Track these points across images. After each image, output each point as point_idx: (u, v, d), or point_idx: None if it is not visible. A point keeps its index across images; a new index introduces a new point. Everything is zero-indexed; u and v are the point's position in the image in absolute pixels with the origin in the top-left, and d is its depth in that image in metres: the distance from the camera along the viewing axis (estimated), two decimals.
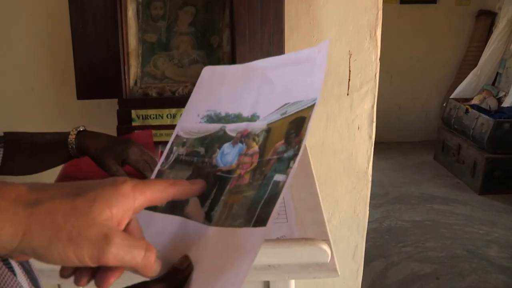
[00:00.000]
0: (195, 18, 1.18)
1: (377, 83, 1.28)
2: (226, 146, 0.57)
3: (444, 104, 3.91)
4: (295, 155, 0.48)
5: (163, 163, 0.58)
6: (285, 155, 0.49)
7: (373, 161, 1.34)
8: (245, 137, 0.56)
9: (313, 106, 0.51)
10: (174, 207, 0.53)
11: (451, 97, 3.85)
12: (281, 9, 1.05)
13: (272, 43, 1.06)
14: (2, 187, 0.33)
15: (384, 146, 3.87)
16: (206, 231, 0.50)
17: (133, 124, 1.10)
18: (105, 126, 1.11)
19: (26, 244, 0.32)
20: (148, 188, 0.40)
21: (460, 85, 3.86)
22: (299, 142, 0.49)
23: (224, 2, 1.11)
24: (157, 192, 0.42)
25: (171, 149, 0.59)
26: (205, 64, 1.04)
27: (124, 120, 1.10)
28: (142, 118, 1.09)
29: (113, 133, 1.06)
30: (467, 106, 3.55)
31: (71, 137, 0.85)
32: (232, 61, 1.08)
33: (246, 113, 0.58)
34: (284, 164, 0.47)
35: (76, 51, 1.12)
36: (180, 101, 1.08)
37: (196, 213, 0.52)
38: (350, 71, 1.25)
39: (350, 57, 1.24)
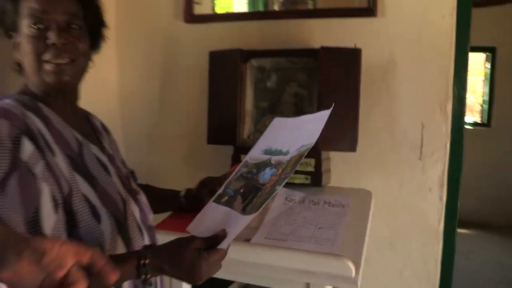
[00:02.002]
0: (297, 92, 1.56)
1: (448, 152, 1.48)
2: (268, 169, 0.93)
3: None
4: (286, 177, 0.84)
5: (232, 177, 0.97)
6: (284, 176, 0.86)
7: None
8: (277, 165, 0.92)
9: (308, 149, 0.86)
10: (228, 202, 0.91)
11: None
12: (357, 91, 1.37)
13: (348, 116, 1.38)
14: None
15: None
16: (239, 217, 0.86)
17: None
18: (221, 165, 1.53)
19: None
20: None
21: None
22: (291, 170, 0.85)
23: (315, 83, 1.47)
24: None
25: (239, 169, 0.98)
26: None
27: (235, 162, 1.50)
28: None
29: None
30: None
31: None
32: None
33: (284, 149, 0.94)
34: (280, 181, 0.84)
35: (210, 108, 1.57)
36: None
37: (237, 207, 0.89)
38: (422, 139, 1.49)
39: (422, 127, 1.48)
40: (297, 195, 1.38)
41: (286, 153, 0.93)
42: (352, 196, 1.38)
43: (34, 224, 0.83)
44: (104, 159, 1.06)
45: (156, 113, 1.83)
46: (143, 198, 1.13)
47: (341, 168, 1.56)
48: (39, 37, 0.96)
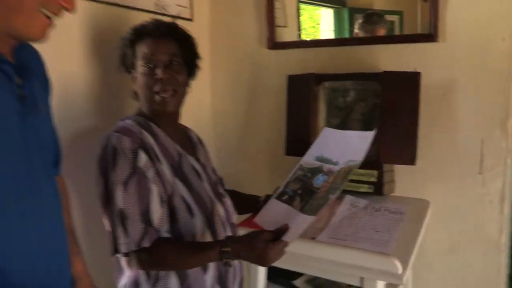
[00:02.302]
0: (365, 111, 1.74)
1: (508, 167, 1.57)
2: (320, 175, 1.16)
3: None
4: (338, 187, 1.06)
5: (290, 178, 1.21)
6: (340, 185, 1.07)
7: None
8: (329, 173, 1.14)
9: (357, 165, 1.08)
10: (288, 200, 1.15)
11: None
12: (416, 111, 1.53)
13: (408, 133, 1.55)
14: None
15: None
16: (298, 215, 1.10)
17: None
18: None
19: None
20: None
21: None
22: (343, 182, 1.07)
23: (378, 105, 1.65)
24: None
25: (295, 171, 1.22)
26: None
27: None
28: None
29: None
30: None
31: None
32: (378, 142, 1.59)
33: (334, 159, 1.16)
34: (334, 191, 1.06)
35: (288, 124, 1.81)
36: None
37: (297, 206, 1.13)
38: (482, 154, 1.60)
39: (482, 144, 1.60)
40: (361, 202, 1.57)
41: (335, 163, 1.15)
42: (411, 205, 1.54)
43: (146, 215, 1.14)
44: (198, 167, 1.35)
45: (242, 128, 2.11)
46: (228, 200, 1.40)
47: (405, 180, 1.71)
48: (149, 73, 1.29)
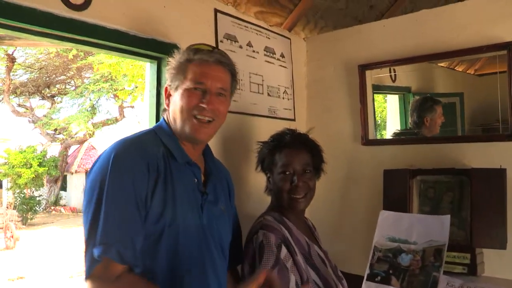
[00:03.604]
0: (453, 199, 2.01)
1: None
2: (404, 254, 1.42)
3: None
4: (440, 265, 1.32)
5: (371, 259, 1.47)
6: (436, 264, 1.33)
7: None
8: (411, 252, 1.41)
9: (444, 245, 1.34)
10: (385, 281, 1.41)
11: None
12: (504, 202, 1.78)
13: (498, 222, 1.79)
14: None
15: None
16: None
17: None
18: None
19: None
20: None
21: None
22: (441, 260, 1.33)
23: (466, 193, 1.91)
24: None
25: (373, 253, 1.48)
26: (457, 227, 1.88)
27: None
28: None
29: None
30: None
31: None
32: (470, 228, 1.83)
33: (410, 240, 1.43)
34: (436, 269, 1.32)
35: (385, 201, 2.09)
36: None
37: (396, 284, 1.39)
38: None
39: None
40: (457, 282, 1.78)
41: (414, 243, 1.43)
42: (504, 285, 1.74)
43: None
44: (322, 255, 1.65)
45: (337, 212, 2.41)
46: (345, 283, 1.68)
47: (495, 261, 1.91)
48: (286, 179, 1.62)
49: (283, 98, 2.39)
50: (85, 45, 1.65)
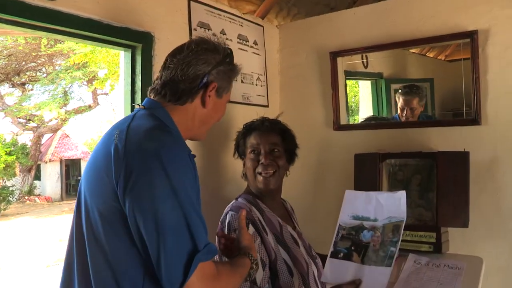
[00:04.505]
0: (421, 182, 2.10)
1: None
2: (366, 231, 1.50)
3: None
4: (398, 240, 1.40)
5: (335, 238, 1.55)
6: (393, 239, 1.41)
7: None
8: (373, 229, 1.49)
9: (402, 221, 1.43)
10: (347, 257, 1.49)
11: None
12: (466, 184, 1.88)
13: (460, 202, 1.88)
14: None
15: None
16: (361, 267, 1.44)
17: None
18: None
19: None
20: None
21: None
22: (399, 236, 1.41)
23: (433, 176, 2.00)
24: None
25: (337, 232, 1.56)
26: (424, 208, 1.97)
27: None
28: None
29: None
30: None
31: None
32: (436, 209, 1.93)
33: (372, 217, 1.50)
34: (393, 244, 1.40)
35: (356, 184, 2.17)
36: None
37: (357, 260, 1.47)
38: None
39: None
40: (423, 259, 1.88)
41: (375, 220, 1.50)
42: (467, 261, 1.84)
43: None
44: (295, 235, 1.72)
45: (311, 195, 2.49)
46: (319, 262, 1.75)
47: (458, 239, 2.02)
48: (255, 158, 1.69)
49: (256, 84, 2.43)
50: (58, 34, 1.66)
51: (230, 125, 2.19)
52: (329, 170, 2.45)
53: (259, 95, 2.46)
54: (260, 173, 1.68)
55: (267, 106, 2.51)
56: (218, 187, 2.17)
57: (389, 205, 1.55)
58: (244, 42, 2.38)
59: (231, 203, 1.66)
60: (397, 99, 2.33)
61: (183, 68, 1.24)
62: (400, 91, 2.32)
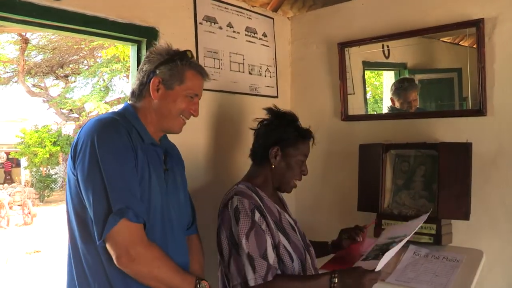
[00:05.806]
0: (425, 173, 2.09)
1: None
2: (394, 244, 1.54)
3: None
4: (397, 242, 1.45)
5: (368, 252, 1.62)
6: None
7: None
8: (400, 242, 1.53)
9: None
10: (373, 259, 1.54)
11: None
12: (468, 175, 1.86)
13: (462, 194, 1.87)
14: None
15: None
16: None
17: (382, 227, 2.05)
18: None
19: None
20: None
21: None
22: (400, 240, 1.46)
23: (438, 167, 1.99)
24: None
25: (372, 249, 1.62)
26: (427, 200, 1.96)
27: (377, 225, 2.06)
28: (386, 224, 2.04)
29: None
30: None
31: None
32: (437, 201, 1.92)
33: (402, 234, 1.55)
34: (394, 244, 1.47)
35: (360, 184, 2.18)
36: (407, 218, 1.97)
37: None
38: None
39: None
40: (423, 251, 1.89)
41: (404, 236, 1.57)
42: (466, 254, 1.83)
43: (265, 258, 1.53)
44: (292, 222, 1.75)
45: (319, 185, 2.51)
46: (312, 250, 1.79)
47: (462, 232, 2.00)
48: (300, 167, 1.79)
49: (265, 76, 2.47)
50: (66, 31, 1.75)
51: (238, 115, 2.26)
52: (336, 160, 2.47)
53: (268, 86, 2.50)
54: (296, 182, 1.77)
55: (277, 97, 2.55)
56: (217, 171, 2.24)
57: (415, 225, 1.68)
58: (252, 34, 2.41)
59: (233, 188, 1.69)
60: (394, 96, 2.32)
61: (139, 72, 1.52)
62: (401, 86, 2.30)
